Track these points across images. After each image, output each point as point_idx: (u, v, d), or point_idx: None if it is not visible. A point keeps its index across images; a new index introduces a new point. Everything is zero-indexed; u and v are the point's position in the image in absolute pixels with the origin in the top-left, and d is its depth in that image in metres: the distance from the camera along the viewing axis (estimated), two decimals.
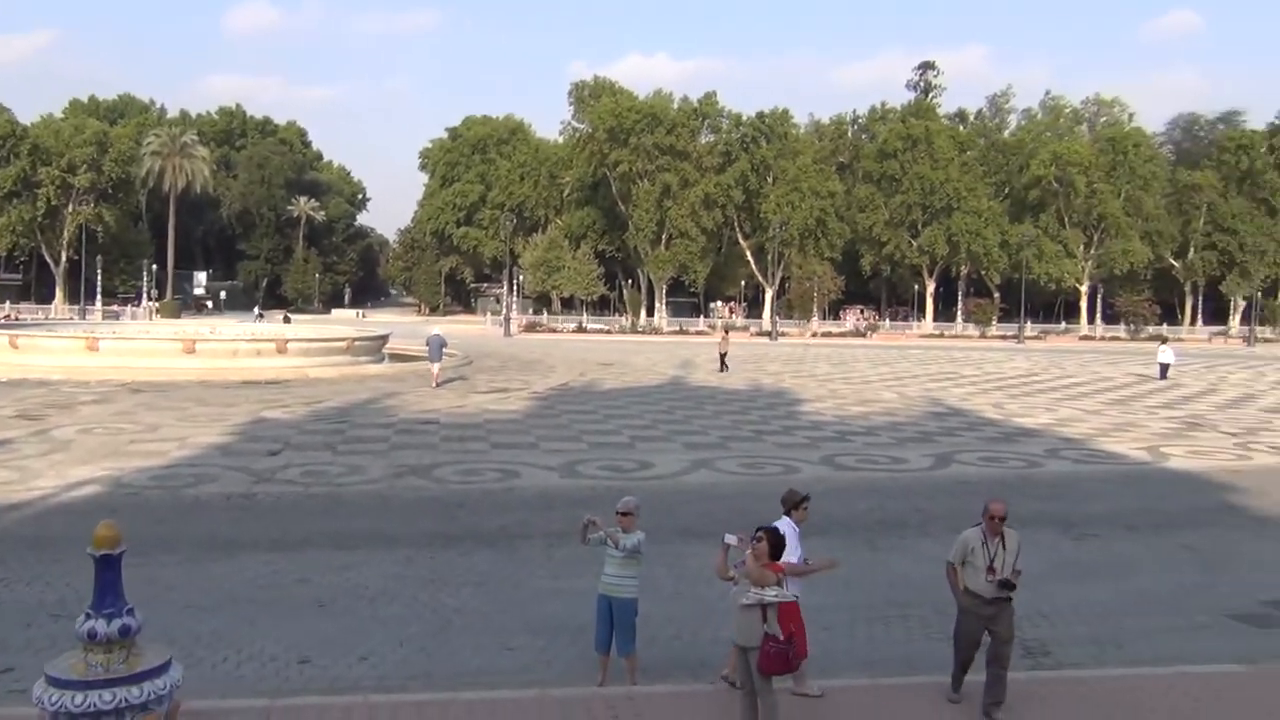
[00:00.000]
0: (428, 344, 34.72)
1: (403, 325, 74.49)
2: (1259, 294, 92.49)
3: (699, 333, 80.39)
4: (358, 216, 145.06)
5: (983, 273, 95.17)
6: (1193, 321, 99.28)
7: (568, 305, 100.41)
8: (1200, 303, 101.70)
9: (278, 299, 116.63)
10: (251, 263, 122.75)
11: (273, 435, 21.55)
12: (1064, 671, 9.25)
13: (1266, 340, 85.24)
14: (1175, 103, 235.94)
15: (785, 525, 8.62)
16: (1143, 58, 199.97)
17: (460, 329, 63.81)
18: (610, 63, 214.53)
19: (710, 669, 9.06)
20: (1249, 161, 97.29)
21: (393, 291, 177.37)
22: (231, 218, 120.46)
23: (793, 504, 8.82)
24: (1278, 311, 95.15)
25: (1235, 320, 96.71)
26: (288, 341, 38.36)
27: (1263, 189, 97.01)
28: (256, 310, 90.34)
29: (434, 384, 32.46)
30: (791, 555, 8.40)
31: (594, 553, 8.98)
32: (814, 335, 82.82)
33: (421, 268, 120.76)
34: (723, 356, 42.84)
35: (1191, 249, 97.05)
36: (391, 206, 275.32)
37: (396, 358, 42.81)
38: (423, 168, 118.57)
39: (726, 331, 51.99)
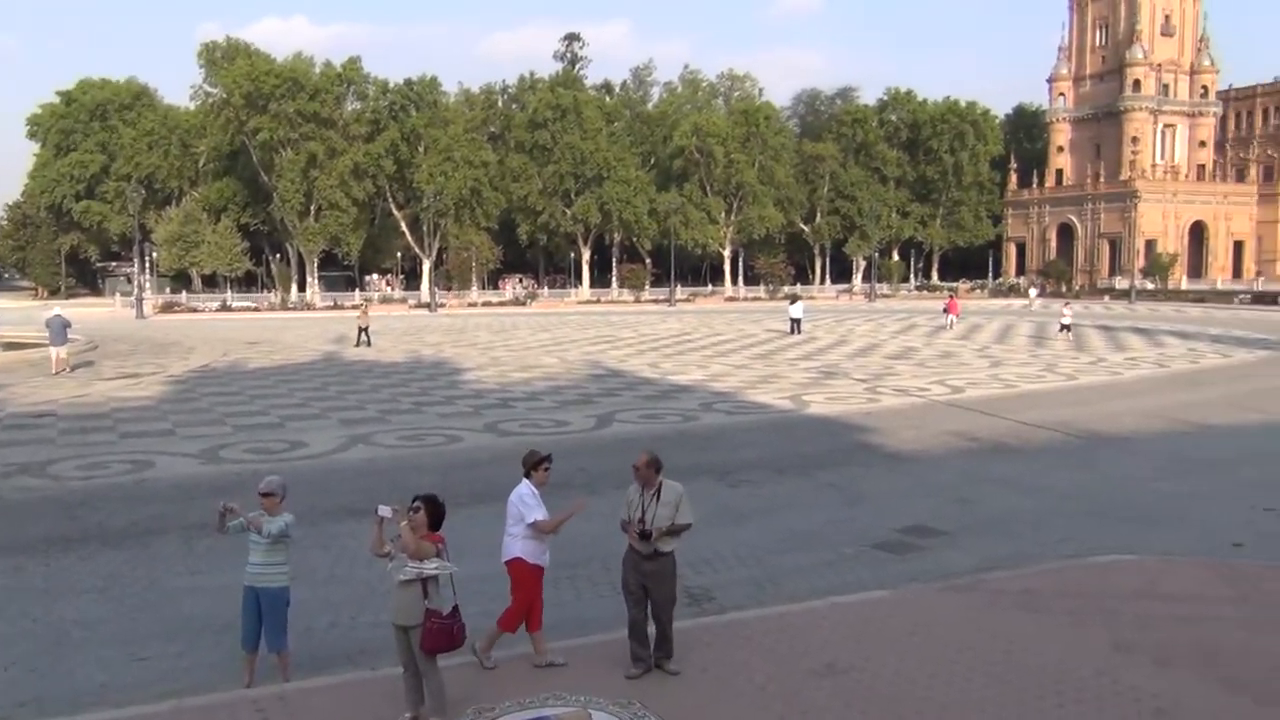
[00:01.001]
0: (47, 326, 30.89)
1: (15, 311, 66.74)
2: (877, 254, 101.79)
3: (354, 306, 77.46)
4: None
5: (635, 239, 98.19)
6: (822, 281, 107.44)
7: (210, 283, 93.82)
8: (828, 263, 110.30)
9: None
10: None
11: None
12: (727, 615, 9.40)
13: (885, 296, 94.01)
14: (800, 79, 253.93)
15: (525, 488, 8.16)
16: (770, 36, 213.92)
17: (86, 313, 57.80)
18: (244, 25, 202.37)
19: (371, 655, 8.45)
20: (863, 134, 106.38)
21: (4, 274, 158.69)
22: None
23: (532, 464, 8.27)
24: (893, 270, 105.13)
25: (858, 279, 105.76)
26: None
27: (875, 159, 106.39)
28: None
29: (53, 370, 29.11)
30: (536, 514, 8.00)
31: (239, 542, 8.11)
32: (472, 305, 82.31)
33: (37, 247, 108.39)
34: (363, 330, 40.92)
35: (818, 214, 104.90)
36: None
37: (8, 345, 38.10)
38: (31, 135, 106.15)
39: (365, 305, 50.44)
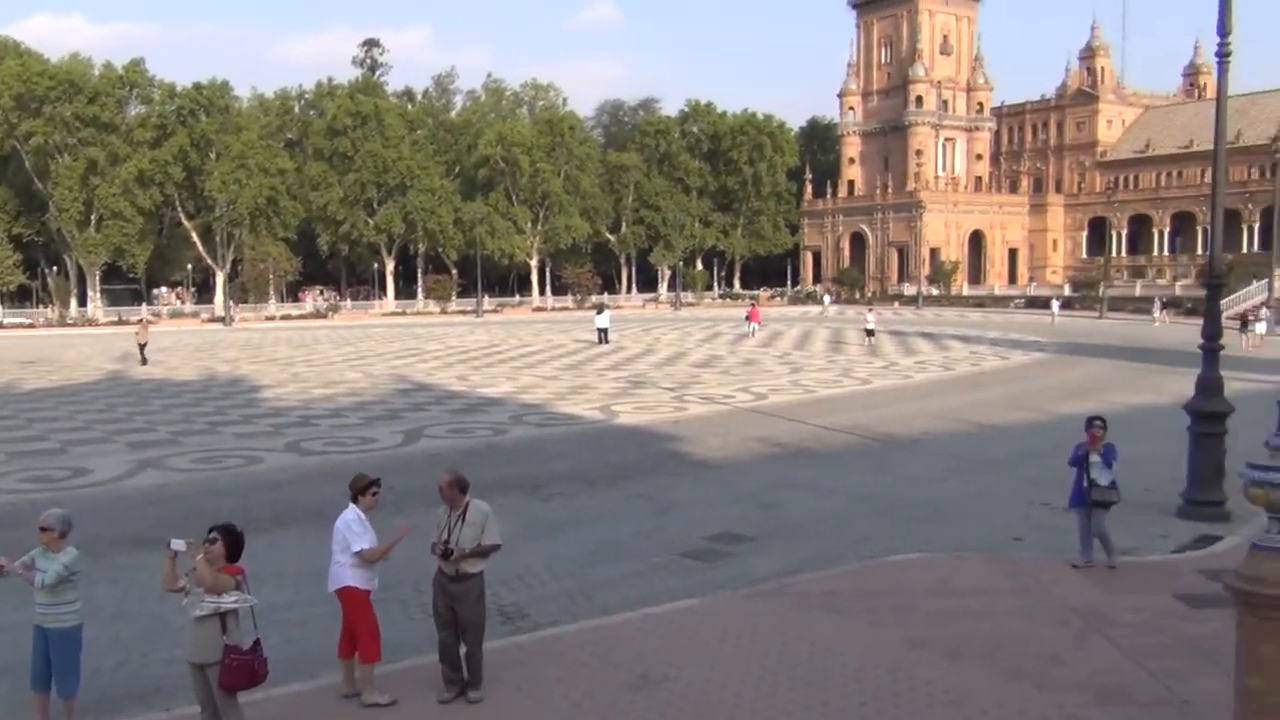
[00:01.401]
0: None
1: None
2: (681, 263, 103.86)
3: (138, 321, 73.60)
4: None
5: (440, 250, 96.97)
6: (629, 290, 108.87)
7: None
8: (634, 272, 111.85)
9: None
10: None
11: None
12: (540, 632, 9.37)
13: (690, 304, 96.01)
14: (602, 89, 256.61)
15: (352, 514, 7.80)
16: (572, 46, 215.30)
17: None
18: (13, 22, 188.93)
19: (165, 695, 8.00)
20: (666, 145, 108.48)
21: None
22: None
23: (360, 489, 7.91)
24: (697, 278, 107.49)
25: (664, 287, 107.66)
26: None
27: (678, 170, 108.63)
28: None
29: None
30: (363, 542, 7.66)
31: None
32: (270, 318, 79.34)
33: None
34: (142, 348, 38.91)
35: (624, 224, 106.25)
36: None
37: None
38: None
39: (145, 321, 48.08)
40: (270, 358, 41.53)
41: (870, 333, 44.62)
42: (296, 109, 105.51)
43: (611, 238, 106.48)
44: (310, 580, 10.45)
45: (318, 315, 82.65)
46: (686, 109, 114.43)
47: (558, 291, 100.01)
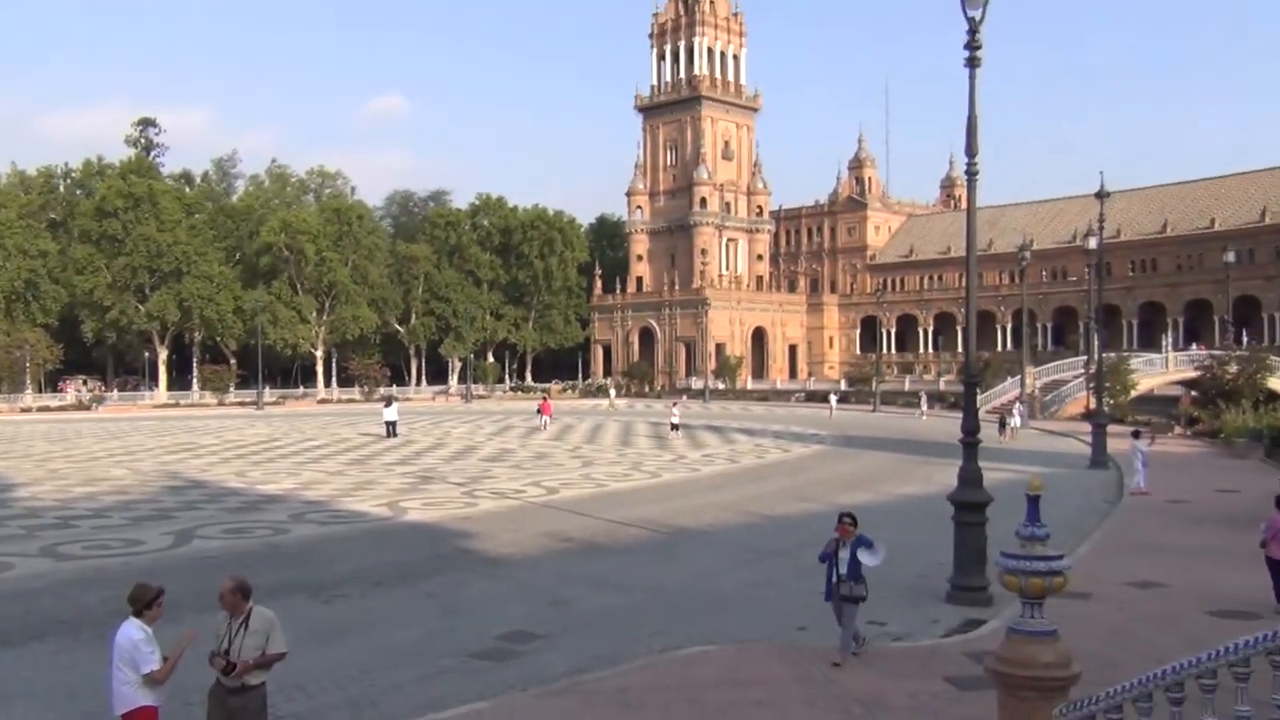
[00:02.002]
0: None
1: None
2: (472, 355, 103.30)
3: None
4: None
5: (218, 339, 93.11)
6: (419, 382, 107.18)
7: None
8: (424, 364, 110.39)
9: None
10: None
11: None
12: None
13: (481, 397, 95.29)
14: (391, 179, 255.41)
15: (135, 631, 7.06)
16: (362, 135, 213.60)
17: None
18: None
19: None
20: (456, 237, 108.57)
21: None
22: None
23: (145, 602, 7.20)
24: (488, 371, 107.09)
25: (454, 379, 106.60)
26: None
27: (469, 262, 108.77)
28: None
29: None
30: (153, 663, 6.99)
31: None
32: (26, 410, 73.71)
33: None
34: None
35: (414, 315, 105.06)
36: None
37: None
38: None
39: None
40: (25, 453, 38.55)
41: (675, 427, 45.47)
42: (62, 188, 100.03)
43: (401, 329, 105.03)
44: (67, 697, 9.66)
45: (81, 407, 77.38)
46: (477, 202, 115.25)
47: (344, 383, 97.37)
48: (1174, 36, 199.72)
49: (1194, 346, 72.37)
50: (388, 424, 45.29)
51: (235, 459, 35.66)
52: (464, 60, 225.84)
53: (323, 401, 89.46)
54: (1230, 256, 64.31)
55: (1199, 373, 52.16)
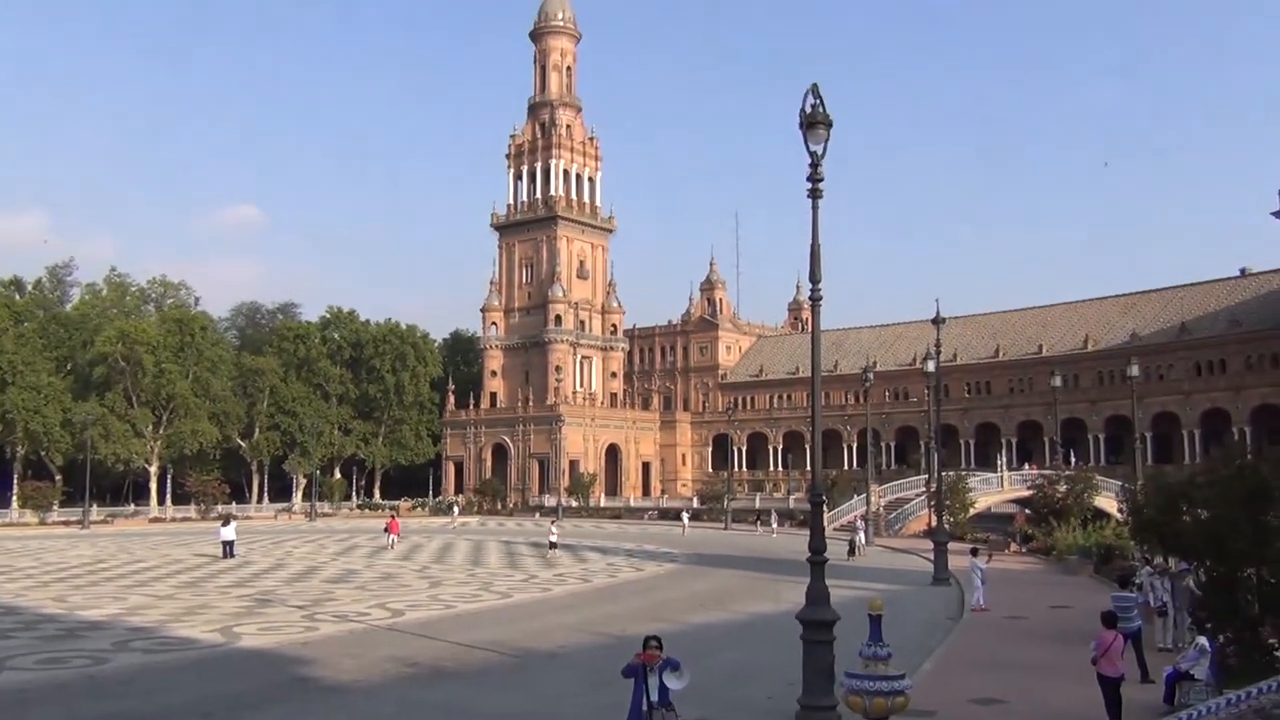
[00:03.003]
0: None
1: None
2: (318, 472, 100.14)
3: None
4: None
5: (44, 453, 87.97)
6: (260, 499, 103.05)
7: None
8: (266, 481, 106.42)
9: None
10: None
11: None
12: None
13: (326, 515, 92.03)
14: (239, 290, 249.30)
15: None
16: (210, 244, 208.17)
17: None
18: None
19: None
20: (305, 350, 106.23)
21: None
22: None
23: None
24: (335, 488, 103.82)
25: (299, 496, 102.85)
26: None
27: (318, 375, 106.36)
28: None
29: None
30: None
31: None
32: None
33: None
34: None
35: (257, 429, 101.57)
36: None
37: None
38: None
39: None
40: None
41: (554, 545, 44.90)
42: None
43: (243, 443, 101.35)
44: None
45: None
46: (328, 315, 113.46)
47: (180, 500, 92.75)
48: (996, 164, 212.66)
49: (1027, 466, 75.74)
50: (225, 544, 43.27)
51: (55, 582, 33.38)
52: (320, 173, 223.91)
53: (155, 520, 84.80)
54: (1057, 381, 67.82)
55: (1031, 492, 54.37)
